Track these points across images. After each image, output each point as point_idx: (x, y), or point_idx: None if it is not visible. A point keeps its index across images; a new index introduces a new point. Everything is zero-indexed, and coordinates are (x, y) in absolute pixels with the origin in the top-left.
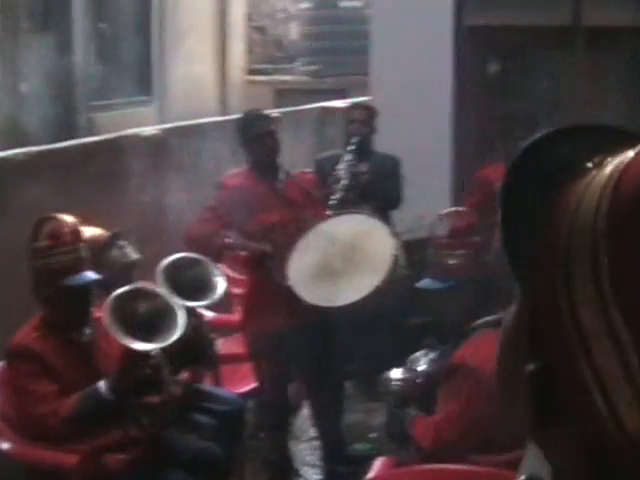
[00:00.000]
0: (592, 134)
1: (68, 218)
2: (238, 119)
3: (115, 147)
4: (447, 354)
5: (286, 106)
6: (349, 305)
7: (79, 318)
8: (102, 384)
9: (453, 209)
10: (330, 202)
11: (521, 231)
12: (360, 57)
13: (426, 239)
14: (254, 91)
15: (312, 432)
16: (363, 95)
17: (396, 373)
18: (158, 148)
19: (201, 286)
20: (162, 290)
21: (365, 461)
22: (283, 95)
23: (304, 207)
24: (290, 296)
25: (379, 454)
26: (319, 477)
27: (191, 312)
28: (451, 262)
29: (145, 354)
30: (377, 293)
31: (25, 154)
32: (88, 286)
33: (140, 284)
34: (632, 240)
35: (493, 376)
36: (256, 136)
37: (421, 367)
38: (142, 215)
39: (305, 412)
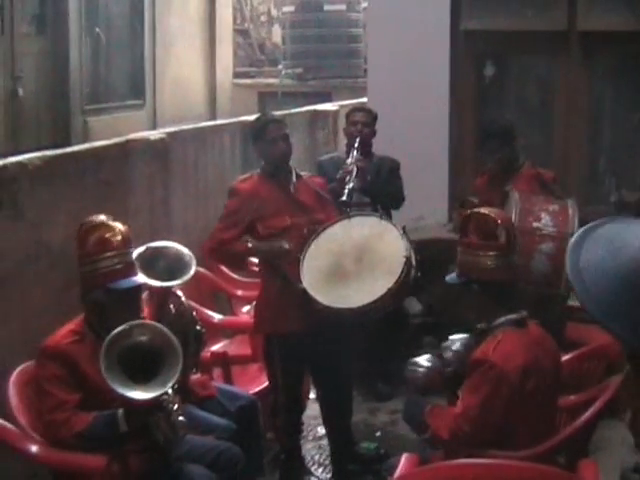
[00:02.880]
0: None
1: (117, 223)
2: (251, 122)
3: (124, 151)
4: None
5: (271, 109)
6: (363, 307)
7: (119, 324)
8: (121, 413)
9: (483, 209)
10: (340, 200)
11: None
12: (343, 60)
13: (432, 241)
14: (239, 94)
15: (319, 431)
16: (346, 98)
17: (424, 360)
18: (164, 152)
19: (175, 269)
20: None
21: (372, 459)
22: (267, 98)
23: (316, 210)
24: (303, 298)
25: (386, 453)
26: (329, 476)
27: (170, 294)
28: (488, 263)
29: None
30: (391, 295)
31: (39, 159)
32: (134, 291)
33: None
34: None
35: (513, 373)
36: (271, 139)
37: (454, 349)
38: (151, 218)
39: (310, 412)
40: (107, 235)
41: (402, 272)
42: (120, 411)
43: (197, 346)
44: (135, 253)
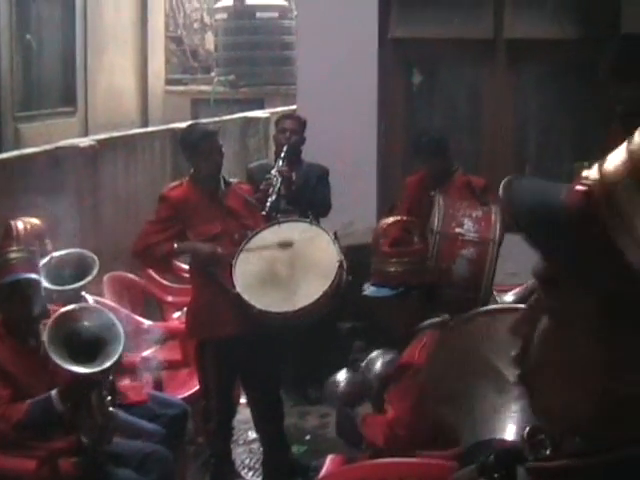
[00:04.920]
0: None
1: (31, 220)
2: (184, 133)
3: (54, 158)
4: (398, 356)
5: (203, 116)
6: (299, 310)
7: (22, 320)
8: (54, 393)
9: (395, 218)
10: (263, 210)
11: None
12: (276, 67)
13: (362, 247)
14: (172, 101)
15: (250, 435)
16: (279, 105)
17: (342, 375)
18: (94, 159)
19: (81, 273)
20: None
21: (302, 462)
22: (200, 105)
23: (245, 216)
24: (236, 303)
25: (315, 456)
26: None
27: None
28: (395, 270)
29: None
30: (326, 298)
31: None
32: (18, 286)
33: (84, 304)
34: None
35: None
36: (206, 153)
37: (377, 369)
38: (81, 225)
39: (241, 416)
40: (9, 232)
41: (336, 276)
42: (54, 391)
43: None
44: (41, 264)
